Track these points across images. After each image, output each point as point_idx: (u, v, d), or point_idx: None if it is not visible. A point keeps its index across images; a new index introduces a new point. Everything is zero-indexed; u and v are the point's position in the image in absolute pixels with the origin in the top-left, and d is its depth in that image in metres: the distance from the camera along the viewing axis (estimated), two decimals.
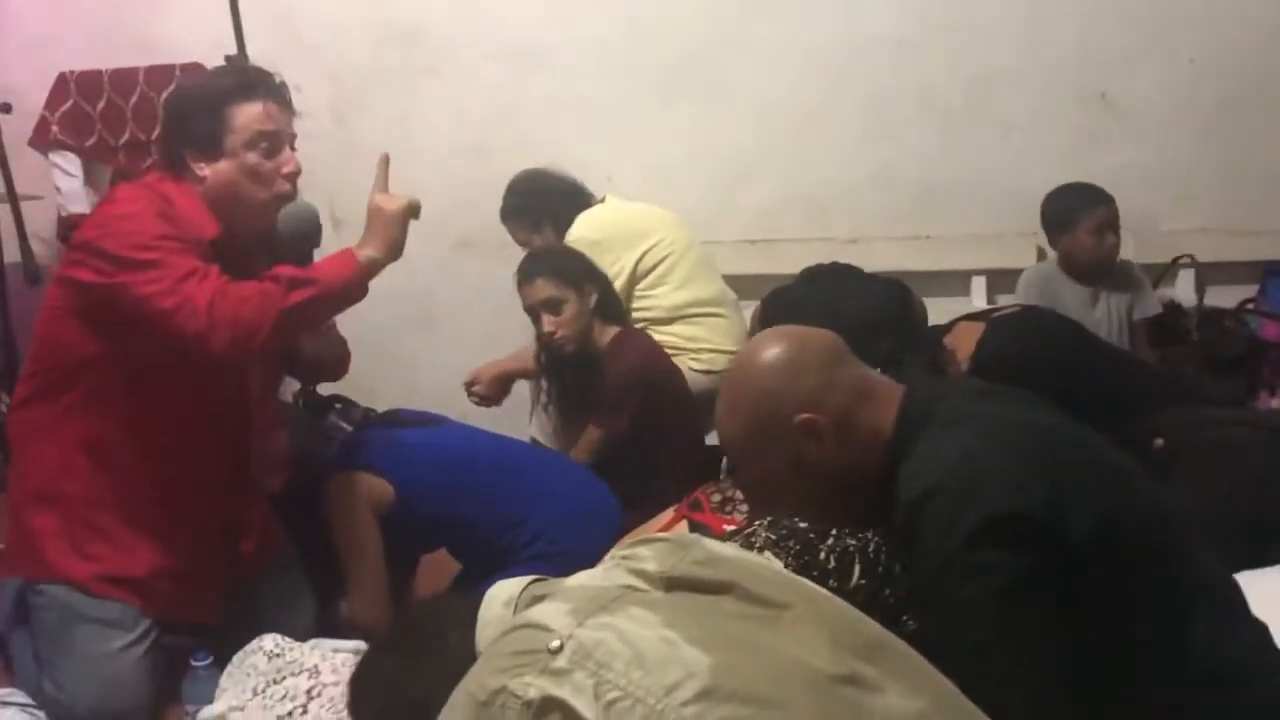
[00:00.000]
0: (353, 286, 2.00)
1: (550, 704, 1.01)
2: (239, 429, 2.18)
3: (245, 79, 2.05)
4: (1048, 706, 1.24)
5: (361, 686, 1.38)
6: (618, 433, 2.80)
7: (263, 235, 2.12)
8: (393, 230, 2.02)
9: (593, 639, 1.04)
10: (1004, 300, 3.63)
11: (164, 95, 3.25)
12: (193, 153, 2.02)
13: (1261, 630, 1.38)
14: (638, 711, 0.99)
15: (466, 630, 1.24)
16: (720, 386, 1.52)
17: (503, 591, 1.28)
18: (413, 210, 2.04)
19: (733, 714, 0.99)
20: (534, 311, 2.84)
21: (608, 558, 1.24)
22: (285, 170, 2.04)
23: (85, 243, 1.99)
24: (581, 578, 1.21)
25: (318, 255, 2.20)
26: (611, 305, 2.92)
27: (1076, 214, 3.25)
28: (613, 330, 2.88)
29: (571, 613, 1.09)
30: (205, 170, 2.02)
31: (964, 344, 2.55)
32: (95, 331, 1.99)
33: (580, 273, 2.85)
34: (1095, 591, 1.27)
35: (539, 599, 1.19)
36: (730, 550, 1.25)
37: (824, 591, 1.21)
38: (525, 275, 2.85)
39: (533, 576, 1.30)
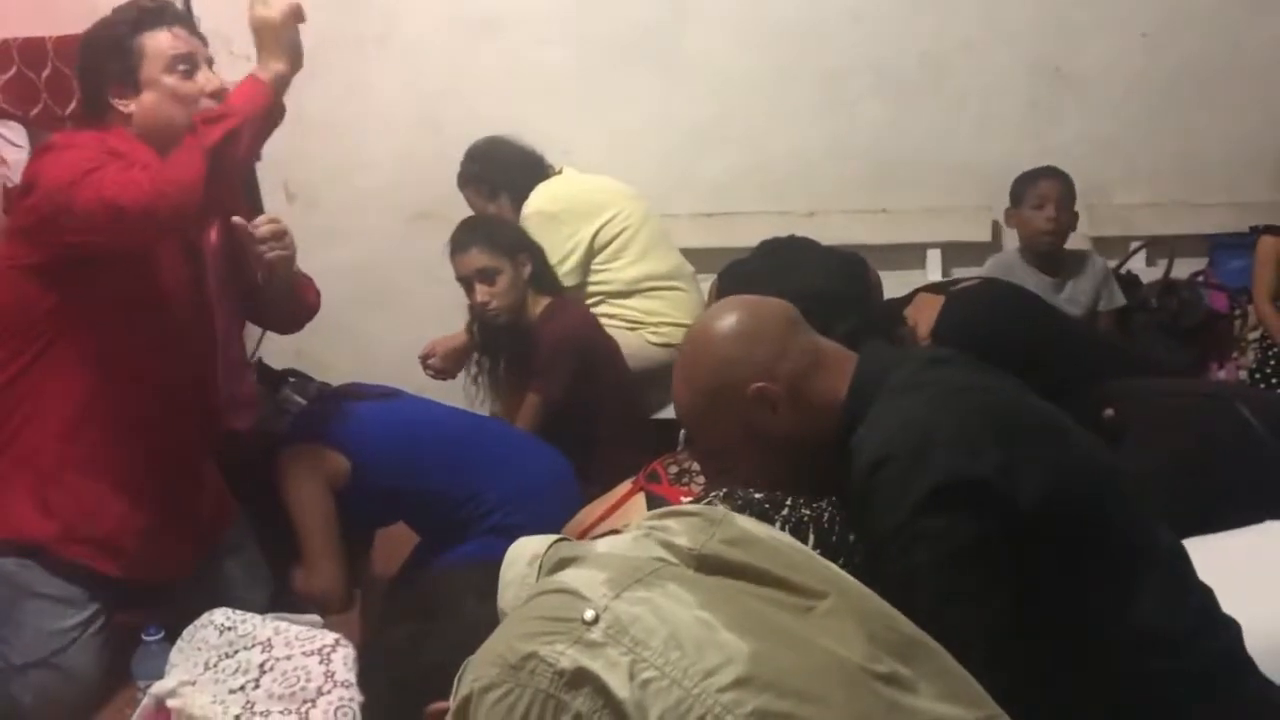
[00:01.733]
0: (268, 106, 1.95)
1: (582, 676, 1.00)
2: (201, 373, 2.16)
3: (146, 10, 2.05)
4: (997, 672, 1.24)
5: (371, 657, 1.36)
6: (554, 398, 2.81)
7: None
8: (285, 36, 1.97)
9: (629, 614, 1.03)
10: (959, 273, 3.67)
11: None
12: (113, 90, 2.03)
13: (1206, 593, 1.40)
14: (673, 694, 0.98)
15: (482, 598, 1.22)
16: (676, 357, 1.52)
17: (526, 550, 1.24)
18: (295, 13, 1.98)
19: (770, 705, 0.98)
20: (467, 282, 2.84)
21: (636, 525, 1.21)
22: (209, 89, 2.03)
23: (24, 182, 1.98)
24: (611, 544, 1.19)
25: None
26: (545, 276, 2.92)
27: (1023, 187, 3.29)
28: (545, 300, 2.88)
29: (608, 582, 1.07)
30: (130, 105, 2.02)
31: (924, 316, 2.56)
32: (50, 282, 1.95)
33: (514, 243, 2.85)
34: (1045, 556, 1.28)
35: (566, 561, 1.16)
36: (761, 529, 1.23)
37: (852, 579, 1.20)
38: (458, 244, 2.85)
39: (556, 536, 1.27)
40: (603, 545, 1.19)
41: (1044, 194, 3.24)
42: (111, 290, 1.96)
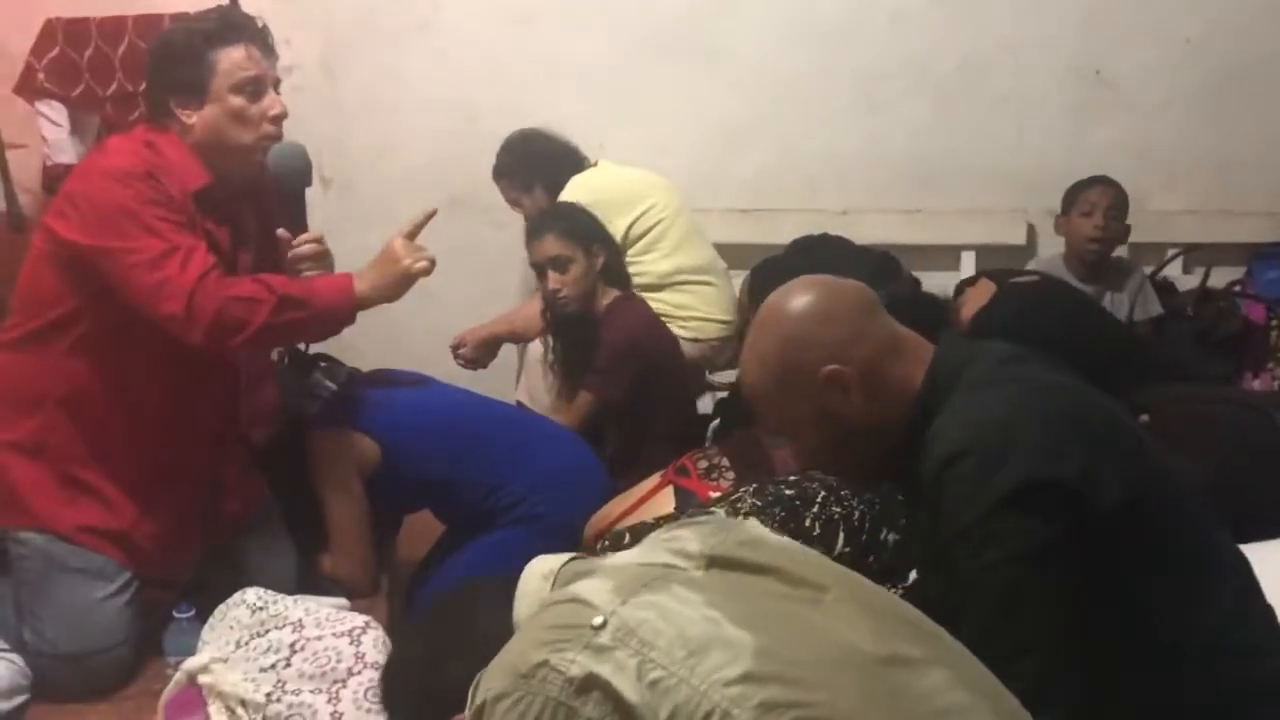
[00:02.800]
0: (342, 318, 2.05)
1: (591, 681, 1.01)
2: (225, 385, 2.17)
3: (226, 23, 2.04)
4: (1053, 675, 1.24)
5: (394, 674, 1.38)
6: (610, 400, 2.80)
7: (251, 183, 2.10)
8: (398, 282, 2.07)
9: (636, 617, 1.04)
10: None
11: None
12: (177, 99, 2.02)
13: (1270, 609, 1.37)
14: (682, 691, 0.99)
15: (498, 611, 1.24)
16: (748, 332, 1.49)
17: (542, 565, 1.27)
18: (426, 272, 2.08)
19: (777, 695, 0.99)
20: (540, 268, 2.84)
21: (649, 539, 1.23)
22: (271, 113, 2.03)
23: (71, 195, 1.98)
24: (623, 556, 1.21)
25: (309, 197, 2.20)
26: (617, 269, 2.91)
27: (1074, 194, 3.26)
28: (613, 294, 2.87)
29: (615, 590, 1.08)
30: (192, 118, 2.01)
31: (971, 300, 2.55)
32: (77, 285, 1.97)
33: (589, 233, 2.84)
34: (1120, 560, 1.27)
35: (579, 575, 1.18)
36: (771, 535, 1.24)
37: (860, 576, 1.21)
38: (535, 231, 2.85)
39: (572, 554, 1.29)
40: (615, 558, 1.21)
41: (1094, 202, 3.21)
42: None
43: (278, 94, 2.07)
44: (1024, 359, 1.45)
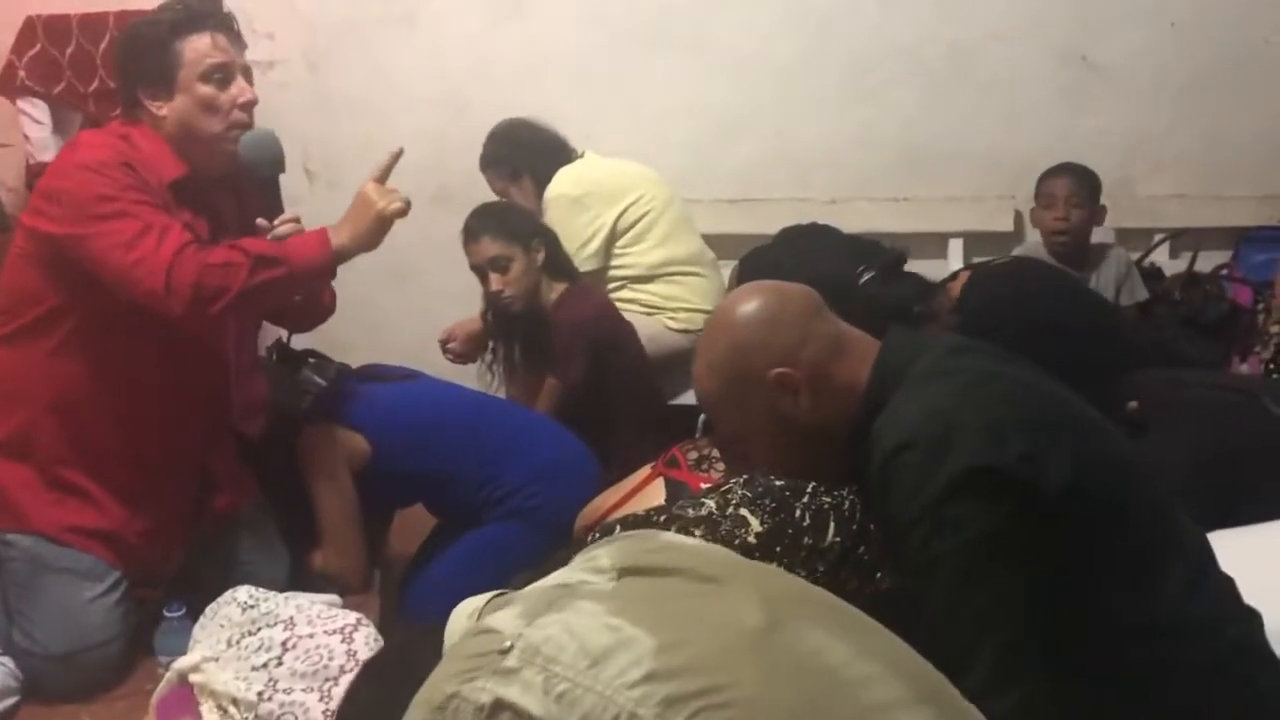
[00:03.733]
0: (322, 271, 2.02)
1: (500, 705, 1.04)
2: (213, 380, 2.16)
3: (191, 12, 2.03)
4: (1016, 659, 1.25)
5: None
6: (573, 383, 2.81)
7: (226, 172, 2.09)
8: (375, 227, 2.03)
9: (541, 636, 1.07)
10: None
11: None
12: (147, 91, 2.01)
13: (1227, 583, 1.40)
14: (588, 700, 1.01)
15: (439, 656, 1.26)
16: (698, 341, 1.51)
17: (467, 606, 1.32)
18: (401, 213, 2.04)
19: (680, 689, 1.01)
20: (480, 270, 2.84)
21: (576, 561, 1.26)
22: (240, 100, 2.03)
23: (46, 190, 1.98)
24: (540, 582, 1.24)
25: (282, 184, 2.18)
26: (560, 262, 2.91)
27: (1038, 186, 3.26)
28: (561, 286, 2.88)
29: (521, 614, 1.12)
30: (163, 109, 2.01)
31: (956, 288, 2.55)
32: (60, 281, 1.97)
33: (527, 230, 2.84)
34: (1066, 544, 1.28)
35: (499, 607, 1.21)
36: (687, 541, 1.28)
37: (770, 567, 1.26)
38: (470, 233, 2.84)
39: (497, 591, 1.32)
40: (532, 585, 1.24)
41: (1053, 194, 3.21)
42: (116, 297, 1.94)
43: (249, 82, 2.06)
44: (970, 350, 1.46)
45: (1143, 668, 1.30)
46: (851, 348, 1.44)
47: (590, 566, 1.20)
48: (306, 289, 2.10)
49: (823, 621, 1.12)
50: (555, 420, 2.72)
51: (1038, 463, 1.27)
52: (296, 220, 2.13)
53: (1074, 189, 3.20)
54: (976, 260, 2.98)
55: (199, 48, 2.00)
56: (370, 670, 1.48)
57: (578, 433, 2.63)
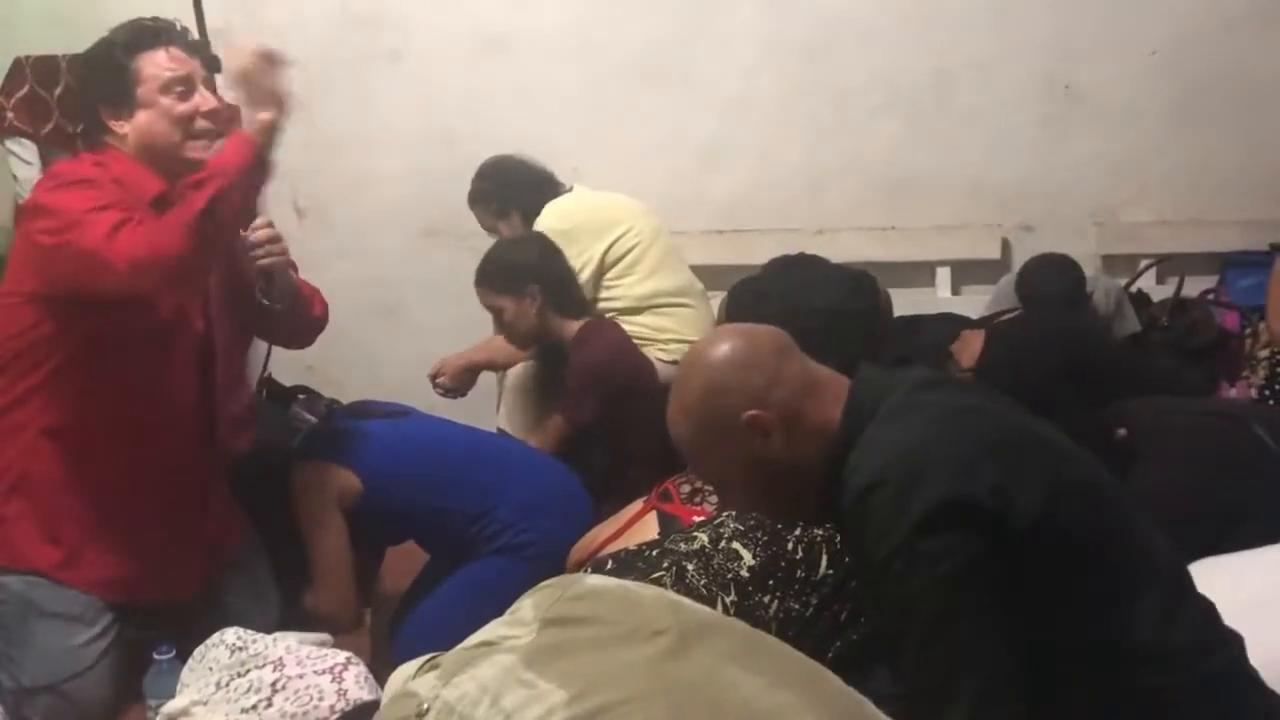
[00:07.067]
0: (255, 161, 1.92)
1: None
2: (204, 404, 2.15)
3: (142, 29, 2.04)
4: (998, 691, 1.25)
5: None
6: (580, 424, 2.80)
7: None
8: (265, 84, 1.91)
9: (455, 694, 1.09)
10: (969, 291, 3.67)
11: None
12: (108, 110, 2.02)
13: (1207, 608, 1.40)
14: None
15: None
16: (673, 384, 1.52)
17: (401, 674, 1.33)
18: (268, 57, 1.92)
19: None
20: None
21: (503, 615, 1.29)
22: (203, 109, 2.02)
23: (31, 207, 1.99)
24: (465, 641, 1.26)
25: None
26: (568, 300, 2.90)
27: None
28: (577, 323, 2.87)
29: (439, 676, 1.14)
30: (125, 127, 2.02)
31: (967, 350, 2.60)
32: (52, 311, 1.96)
33: (514, 278, 2.82)
34: (1041, 575, 1.29)
35: (430, 669, 1.24)
36: (610, 583, 1.29)
37: (684, 600, 1.28)
38: (475, 280, 2.88)
39: (429, 655, 1.33)
40: (458, 646, 1.26)
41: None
42: (112, 319, 1.94)
43: (214, 93, 2.05)
44: (936, 384, 1.48)
45: (1125, 697, 1.30)
46: (823, 387, 1.45)
47: (514, 619, 1.22)
48: (254, 186, 1.97)
49: (736, 653, 1.14)
50: (559, 457, 2.71)
51: (1008, 494, 1.28)
52: (269, 225, 2.13)
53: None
54: (979, 318, 2.99)
55: (157, 61, 2.00)
56: None
57: (587, 466, 2.62)
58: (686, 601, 1.29)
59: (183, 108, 2.01)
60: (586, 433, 2.81)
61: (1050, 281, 3.10)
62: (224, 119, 2.07)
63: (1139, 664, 1.31)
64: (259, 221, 2.12)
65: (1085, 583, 1.31)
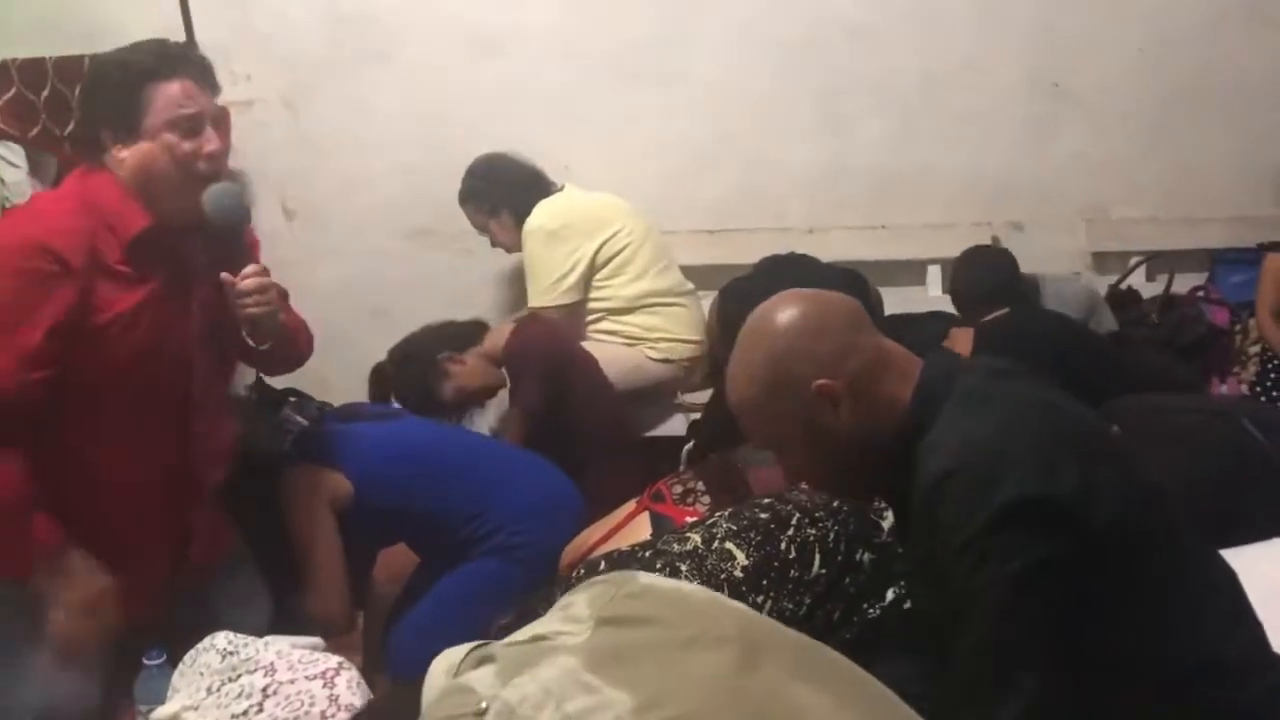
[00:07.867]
0: None
1: None
2: (183, 432, 2.11)
3: (163, 57, 1.95)
4: (1047, 693, 1.23)
5: None
6: (532, 406, 2.85)
7: (189, 224, 2.00)
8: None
9: (517, 696, 1.05)
10: None
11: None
12: (109, 133, 1.94)
13: (1259, 627, 1.37)
14: None
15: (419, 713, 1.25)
16: (735, 347, 1.46)
17: (444, 661, 1.28)
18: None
19: None
20: None
21: (553, 609, 1.24)
22: (205, 150, 1.94)
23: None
24: (516, 634, 1.22)
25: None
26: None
27: None
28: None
29: (498, 674, 1.10)
30: (123, 152, 1.93)
31: (958, 347, 2.60)
32: None
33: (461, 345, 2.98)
34: (1112, 578, 1.26)
35: (479, 662, 1.20)
36: (668, 583, 1.25)
37: (746, 609, 1.23)
38: None
39: (475, 644, 1.30)
40: (510, 638, 1.22)
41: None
42: (92, 351, 1.89)
43: (225, 129, 1.99)
44: (1012, 374, 1.44)
45: (1180, 706, 1.28)
46: (894, 363, 1.41)
47: (568, 615, 1.18)
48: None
49: (803, 670, 1.11)
50: (529, 449, 2.72)
51: (1088, 495, 1.25)
52: (261, 274, 2.04)
53: None
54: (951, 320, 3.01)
55: (170, 95, 1.91)
56: None
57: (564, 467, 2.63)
58: (737, 604, 1.25)
59: (187, 146, 1.92)
60: (542, 420, 2.85)
61: (981, 277, 3.08)
62: (224, 163, 1.99)
63: (1200, 674, 1.28)
64: (250, 269, 2.02)
65: (1155, 589, 1.29)
